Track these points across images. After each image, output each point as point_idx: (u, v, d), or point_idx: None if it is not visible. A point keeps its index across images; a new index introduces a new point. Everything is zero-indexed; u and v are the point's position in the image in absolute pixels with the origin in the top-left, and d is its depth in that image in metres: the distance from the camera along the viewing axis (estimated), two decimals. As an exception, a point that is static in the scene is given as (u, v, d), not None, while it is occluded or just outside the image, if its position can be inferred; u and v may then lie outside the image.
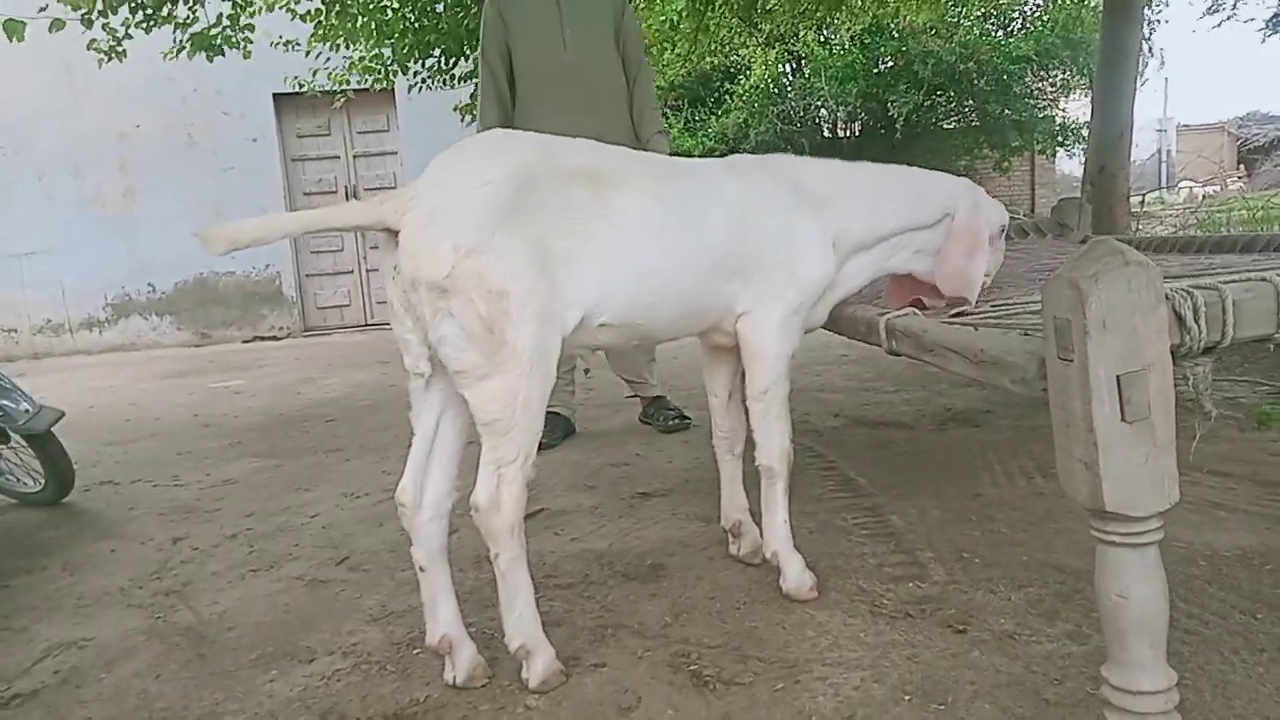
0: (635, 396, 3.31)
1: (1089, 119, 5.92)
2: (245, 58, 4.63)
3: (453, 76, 5.49)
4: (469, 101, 5.70)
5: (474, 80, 5.54)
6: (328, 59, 5.42)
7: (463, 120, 5.82)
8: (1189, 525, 1.84)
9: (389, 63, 5.36)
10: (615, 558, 1.97)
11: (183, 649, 1.71)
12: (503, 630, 1.45)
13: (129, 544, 2.37)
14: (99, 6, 3.86)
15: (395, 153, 8.09)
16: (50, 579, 2.16)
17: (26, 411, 2.54)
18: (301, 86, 5.69)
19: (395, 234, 1.34)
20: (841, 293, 1.79)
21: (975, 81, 9.41)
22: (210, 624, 1.81)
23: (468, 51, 5.26)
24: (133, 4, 4.00)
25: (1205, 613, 1.48)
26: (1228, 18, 10.03)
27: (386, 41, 5.12)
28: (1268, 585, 1.56)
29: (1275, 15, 9.68)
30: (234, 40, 4.54)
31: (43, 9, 3.60)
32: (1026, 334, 1.15)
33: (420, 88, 5.64)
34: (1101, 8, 5.78)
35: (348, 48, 5.22)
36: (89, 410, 4.65)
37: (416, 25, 5.01)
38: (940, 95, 9.91)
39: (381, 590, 1.89)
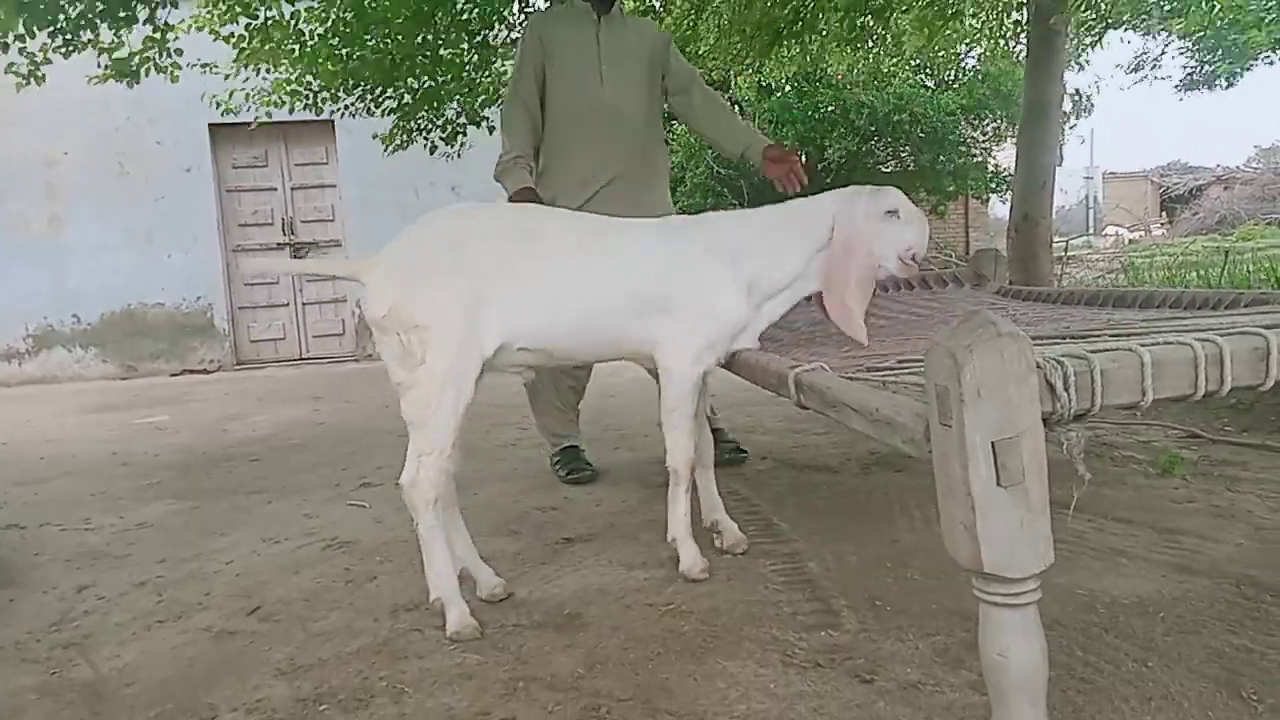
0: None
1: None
2: (173, 82, 4.54)
3: (378, 105, 5.42)
4: (389, 132, 5.63)
5: (395, 115, 5.48)
6: (248, 82, 5.26)
7: (385, 150, 5.71)
8: (1091, 572, 1.90)
9: (316, 90, 5.26)
10: (533, 606, 1.95)
11: (76, 707, 1.64)
12: (415, 685, 1.44)
13: (29, 593, 2.28)
14: (19, 30, 3.77)
15: (334, 185, 8.01)
16: (-59, 632, 2.06)
17: (-75, 453, 2.44)
18: (225, 112, 5.43)
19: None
20: (767, 321, 2.08)
21: (909, 130, 9.71)
22: (109, 680, 1.75)
23: (397, 85, 5.22)
24: (51, 29, 3.90)
25: (1101, 661, 1.53)
26: (1144, 78, 10.59)
27: (310, 69, 5.02)
28: (1160, 633, 1.61)
29: (1188, 75, 10.25)
30: (161, 65, 4.45)
31: None
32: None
33: (344, 114, 5.52)
34: (1025, 63, 6.04)
35: (271, 72, 5.10)
36: (1, 447, 4.47)
37: (344, 56, 4.95)
38: (876, 141, 10.20)
39: (292, 642, 1.85)
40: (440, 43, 5.04)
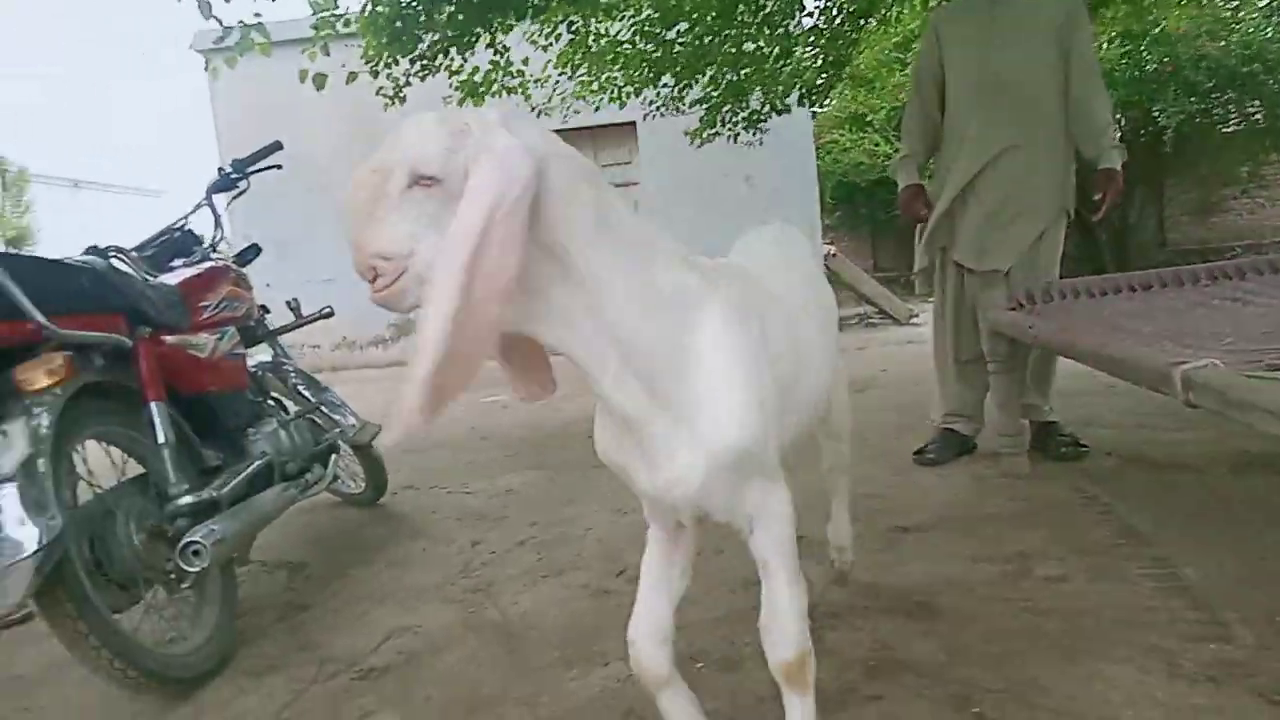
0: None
1: None
2: (526, 99, 5.16)
3: (683, 101, 5.66)
4: (699, 126, 5.86)
5: (703, 105, 5.70)
6: (558, 88, 5.74)
7: (693, 143, 5.97)
8: None
9: (622, 87, 5.61)
10: (880, 591, 2.01)
11: (494, 643, 1.96)
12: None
13: (436, 544, 2.72)
14: (386, 57, 4.49)
15: (637, 183, 8.52)
16: (378, 572, 2.53)
17: (354, 426, 2.98)
18: (540, 114, 5.96)
19: None
20: None
21: (1262, 83, 8.40)
22: (514, 622, 2.06)
23: (699, 78, 5.44)
24: (413, 56, 4.58)
25: None
26: None
27: (618, 70, 5.39)
28: None
29: None
30: (509, 86, 5.07)
31: (344, 65, 4.25)
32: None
33: (653, 115, 5.83)
34: None
35: (586, 77, 5.55)
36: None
37: (652, 54, 5.25)
38: (1216, 98, 8.94)
39: (667, 605, 2.05)
40: (744, 36, 5.19)
